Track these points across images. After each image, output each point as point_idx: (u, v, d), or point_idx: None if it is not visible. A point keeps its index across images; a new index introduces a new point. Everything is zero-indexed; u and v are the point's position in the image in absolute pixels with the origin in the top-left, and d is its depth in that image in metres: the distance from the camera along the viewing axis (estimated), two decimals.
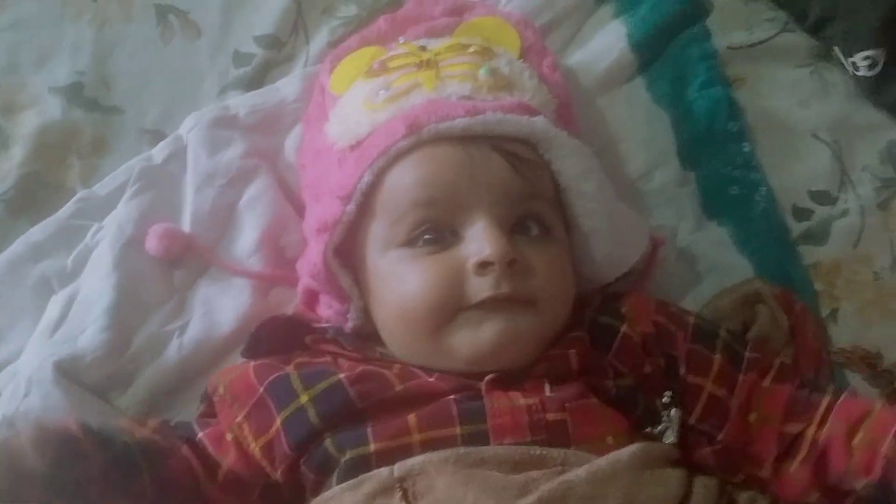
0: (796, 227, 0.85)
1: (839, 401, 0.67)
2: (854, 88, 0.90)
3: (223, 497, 0.65)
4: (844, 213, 0.86)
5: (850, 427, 0.65)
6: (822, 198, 0.86)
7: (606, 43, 0.89)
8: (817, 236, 0.85)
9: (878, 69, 0.87)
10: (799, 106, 0.90)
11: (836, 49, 0.88)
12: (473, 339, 0.63)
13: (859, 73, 0.88)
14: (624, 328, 0.68)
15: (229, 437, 0.65)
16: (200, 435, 0.66)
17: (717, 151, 0.86)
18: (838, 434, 0.65)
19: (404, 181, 0.66)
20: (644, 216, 0.83)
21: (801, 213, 0.86)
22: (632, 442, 0.62)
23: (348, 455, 0.60)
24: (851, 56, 0.88)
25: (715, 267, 0.82)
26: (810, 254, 0.84)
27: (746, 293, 0.77)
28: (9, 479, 0.54)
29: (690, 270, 0.82)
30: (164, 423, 0.68)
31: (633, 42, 0.88)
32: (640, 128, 0.88)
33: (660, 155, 0.87)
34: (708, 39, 0.90)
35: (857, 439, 0.64)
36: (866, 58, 0.87)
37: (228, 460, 0.65)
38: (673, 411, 0.66)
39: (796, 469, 0.65)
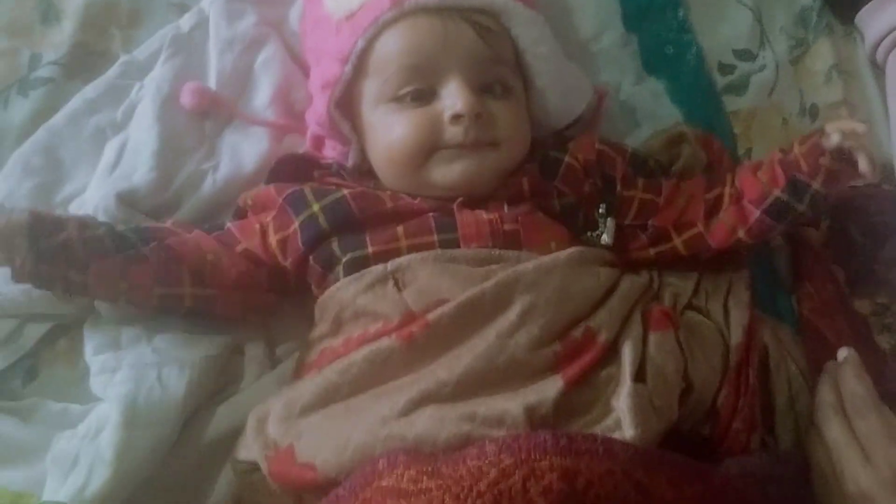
0: (721, 81, 0.97)
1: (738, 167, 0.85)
2: None
3: (239, 260, 0.77)
4: (762, 69, 0.97)
5: (753, 169, 0.83)
6: (744, 55, 0.98)
7: None
8: (738, 88, 0.97)
9: None
10: None
11: None
12: (448, 172, 0.76)
13: None
14: (567, 159, 0.81)
15: (257, 226, 0.78)
16: (230, 225, 0.79)
17: (655, 17, 0.96)
18: (746, 175, 0.82)
19: (391, 48, 0.75)
20: (593, 72, 0.94)
21: (726, 69, 0.97)
22: (572, 247, 0.76)
23: (350, 256, 0.74)
24: None
25: (651, 115, 0.94)
26: (732, 103, 0.96)
27: (673, 134, 0.90)
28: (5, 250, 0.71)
29: (631, 118, 0.94)
30: (187, 223, 0.80)
31: None
32: None
33: (607, 20, 0.96)
34: None
35: (760, 172, 0.81)
36: None
37: (251, 242, 0.78)
38: (608, 220, 0.81)
39: (723, 216, 0.81)
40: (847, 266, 0.91)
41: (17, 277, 0.73)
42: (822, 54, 0.99)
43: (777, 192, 0.79)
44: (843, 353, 0.78)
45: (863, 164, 0.76)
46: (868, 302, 0.90)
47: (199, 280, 0.76)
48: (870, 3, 0.94)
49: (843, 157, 0.77)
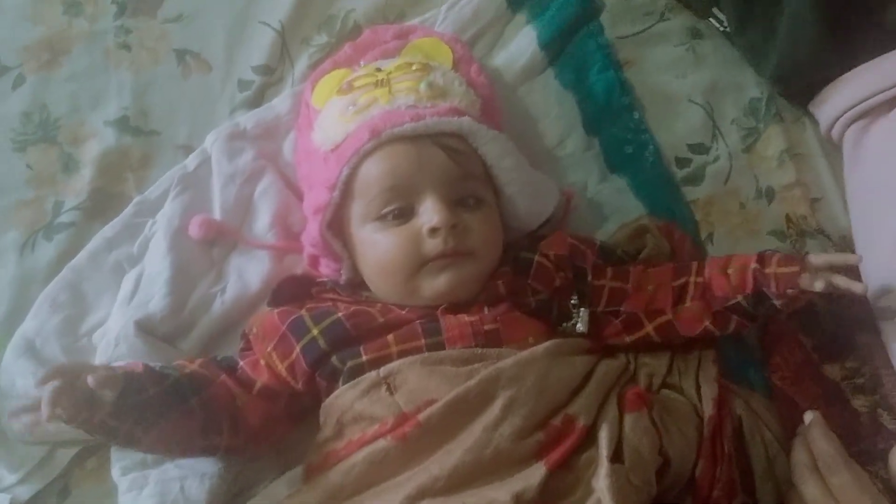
0: (679, 173, 1.02)
1: (707, 258, 0.90)
2: (722, 58, 1.07)
3: (258, 403, 0.81)
4: (716, 159, 1.03)
5: (722, 266, 0.87)
6: (698, 149, 1.03)
7: (521, 45, 1.04)
8: (695, 179, 1.02)
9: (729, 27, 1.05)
10: (677, 77, 1.06)
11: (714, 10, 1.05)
12: (433, 285, 0.82)
13: (721, 29, 1.05)
14: (537, 258, 0.86)
15: (262, 362, 0.83)
16: (241, 364, 0.84)
17: (613, 121, 1.01)
18: (715, 271, 0.87)
19: (372, 173, 0.82)
20: (560, 175, 1.00)
21: (682, 162, 1.03)
22: (549, 339, 0.81)
23: (348, 365, 0.78)
24: (710, 16, 1.06)
25: (617, 210, 0.99)
26: (690, 193, 1.01)
27: (636, 227, 0.96)
28: (85, 407, 0.70)
29: (598, 214, 0.99)
30: (208, 359, 0.85)
31: (542, 42, 1.03)
32: (553, 108, 1.03)
33: (569, 128, 1.02)
34: (601, 33, 1.05)
35: (730, 270, 0.86)
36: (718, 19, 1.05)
37: (263, 379, 0.82)
38: (581, 310, 0.87)
39: (689, 305, 0.86)
40: (814, 334, 0.94)
41: (81, 426, 0.73)
42: (774, 140, 1.03)
43: (740, 298, 0.85)
44: (808, 416, 0.83)
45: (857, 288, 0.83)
46: (838, 366, 0.93)
47: (233, 429, 0.80)
48: (823, 90, 1.00)
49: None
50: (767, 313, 0.86)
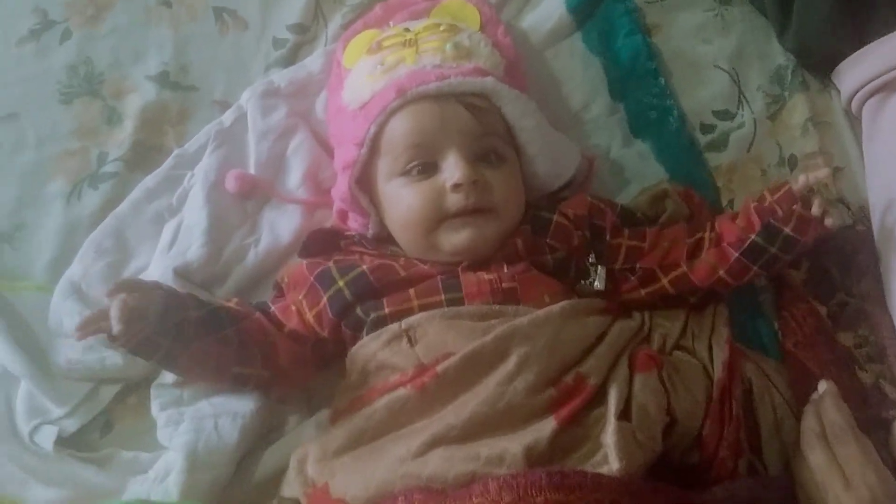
0: (702, 139, 1.03)
1: (718, 216, 0.93)
2: (749, 24, 1.06)
3: (288, 343, 0.86)
4: (741, 126, 1.03)
5: (731, 217, 0.91)
6: (723, 115, 1.04)
7: (549, 8, 1.05)
8: (719, 145, 1.03)
9: None
10: (703, 43, 1.06)
11: None
12: (453, 240, 0.85)
13: None
14: (555, 217, 0.89)
15: (293, 308, 0.87)
16: (273, 308, 0.88)
17: (638, 86, 1.02)
18: (725, 222, 0.90)
19: (398, 130, 0.85)
20: (584, 138, 1.02)
21: (707, 128, 1.04)
22: (565, 298, 0.84)
23: (371, 316, 0.82)
24: None
25: (639, 174, 1.01)
26: (713, 159, 1.02)
27: (657, 191, 0.97)
28: (130, 317, 0.76)
29: (620, 178, 1.02)
30: (244, 300, 0.90)
31: (570, 6, 1.05)
32: (579, 72, 1.04)
33: (594, 92, 1.04)
34: None
35: (738, 220, 0.89)
36: None
37: (291, 323, 0.87)
38: (599, 267, 0.89)
39: (704, 256, 0.89)
40: (828, 302, 0.96)
41: (124, 345, 0.79)
42: (798, 108, 1.03)
43: (752, 236, 0.87)
44: (822, 385, 0.84)
45: (815, 208, 0.86)
46: (851, 334, 0.95)
47: (265, 362, 0.85)
48: (844, 60, 1.00)
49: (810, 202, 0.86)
50: (787, 249, 0.87)
